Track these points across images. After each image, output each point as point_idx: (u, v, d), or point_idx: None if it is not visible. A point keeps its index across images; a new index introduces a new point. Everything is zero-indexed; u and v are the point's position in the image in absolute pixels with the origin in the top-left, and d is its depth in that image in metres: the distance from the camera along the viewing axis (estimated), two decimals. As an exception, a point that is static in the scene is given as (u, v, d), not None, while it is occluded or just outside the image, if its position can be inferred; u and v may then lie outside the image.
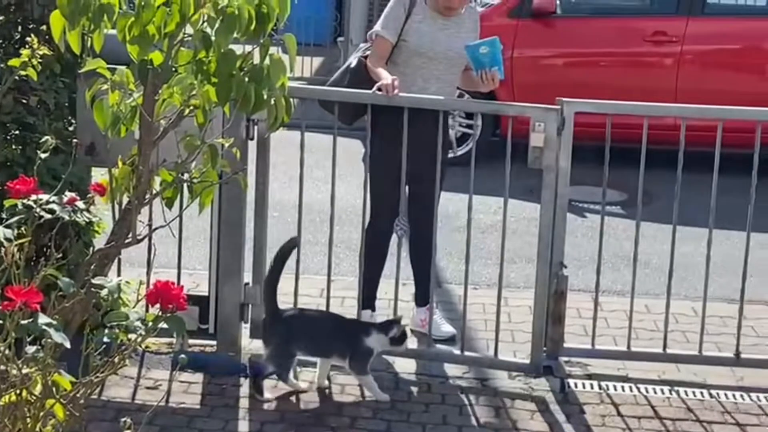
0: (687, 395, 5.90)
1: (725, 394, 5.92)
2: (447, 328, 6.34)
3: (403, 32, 6.18)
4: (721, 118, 6.35)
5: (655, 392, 5.91)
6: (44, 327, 3.01)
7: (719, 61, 11.29)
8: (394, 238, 6.27)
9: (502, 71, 6.00)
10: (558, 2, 11.38)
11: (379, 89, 5.78)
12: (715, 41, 11.38)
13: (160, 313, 3.22)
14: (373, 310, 6.37)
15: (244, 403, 5.63)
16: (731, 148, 6.11)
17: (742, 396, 5.91)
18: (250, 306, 6.19)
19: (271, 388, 5.63)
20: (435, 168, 5.99)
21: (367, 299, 6.27)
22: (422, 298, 6.40)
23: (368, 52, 6.22)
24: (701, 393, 5.93)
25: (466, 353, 6.03)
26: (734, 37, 11.49)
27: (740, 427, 5.59)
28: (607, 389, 5.90)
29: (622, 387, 5.95)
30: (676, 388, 5.96)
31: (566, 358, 6.10)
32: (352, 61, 6.39)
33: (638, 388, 5.94)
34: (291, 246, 5.75)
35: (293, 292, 6.05)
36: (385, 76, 5.83)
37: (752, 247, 6.01)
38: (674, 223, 5.96)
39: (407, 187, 6.10)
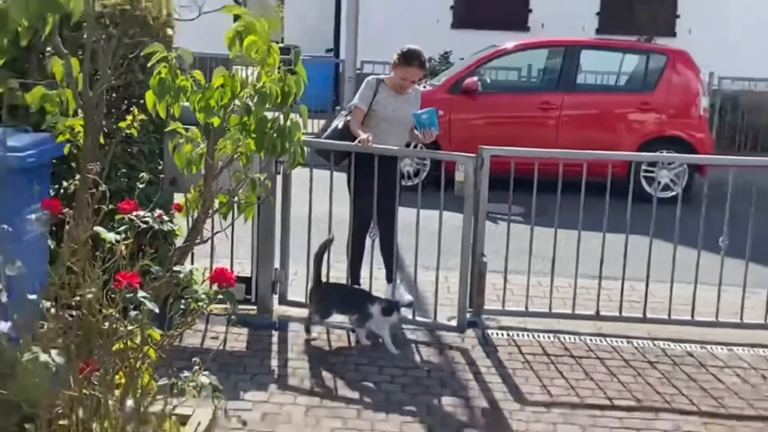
0: (564, 339, 5.94)
1: (590, 339, 5.96)
2: (408, 297, 6.28)
3: (372, 104, 6.21)
4: (586, 159, 6.41)
5: (544, 338, 5.94)
6: (141, 299, 3.03)
7: (584, 121, 11.37)
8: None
9: (437, 128, 6.12)
10: (480, 84, 11.42)
11: (359, 142, 5.86)
12: (582, 108, 11.47)
13: (218, 289, 3.24)
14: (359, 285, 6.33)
15: (274, 347, 5.66)
16: (593, 177, 6.13)
17: (601, 340, 5.95)
18: (278, 283, 6.20)
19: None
20: (394, 193, 6.03)
21: (354, 277, 6.26)
22: (389, 278, 6.41)
23: (349, 118, 6.27)
24: (574, 338, 5.97)
25: (418, 318, 6.05)
26: (594, 105, 11.58)
27: (600, 360, 5.63)
28: (513, 336, 5.93)
29: (523, 335, 5.98)
30: (557, 335, 5.99)
31: (486, 316, 6.12)
32: (339, 123, 6.41)
33: (533, 335, 5.98)
34: (327, 242, 5.79)
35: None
36: (362, 134, 5.90)
37: (608, 241, 6.05)
38: (555, 227, 6.00)
39: (377, 205, 6.11)
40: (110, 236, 3.22)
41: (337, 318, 5.84)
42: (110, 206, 3.74)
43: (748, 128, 14.78)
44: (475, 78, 11.50)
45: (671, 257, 6.10)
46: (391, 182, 5.99)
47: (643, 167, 10.57)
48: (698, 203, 6.27)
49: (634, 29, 15.47)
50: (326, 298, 5.79)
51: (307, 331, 5.78)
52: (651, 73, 11.63)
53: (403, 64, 6.20)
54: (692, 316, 6.14)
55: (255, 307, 6.17)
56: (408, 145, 6.45)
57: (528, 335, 5.97)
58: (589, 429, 4.68)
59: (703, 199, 6.21)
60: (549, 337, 5.96)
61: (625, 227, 6.04)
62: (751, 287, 6.15)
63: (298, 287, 6.23)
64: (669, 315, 6.16)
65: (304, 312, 5.98)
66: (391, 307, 5.60)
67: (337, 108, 15.47)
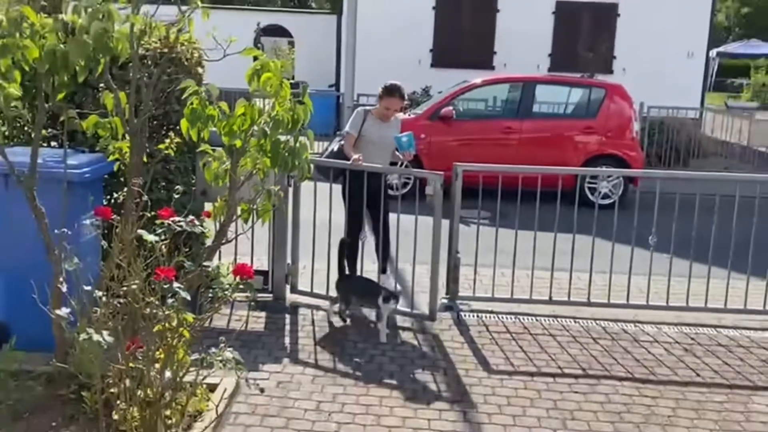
0: (524, 320, 5.92)
1: (545, 319, 5.95)
2: (397, 287, 6.07)
3: (361, 130, 6.23)
4: (541, 173, 6.40)
5: (507, 319, 5.93)
6: (177, 289, 3.01)
7: (539, 142, 11.33)
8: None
9: (414, 149, 6.12)
10: (454, 113, 11.41)
11: (352, 162, 5.90)
12: (537, 132, 11.42)
13: (240, 280, 3.22)
14: None
15: (287, 327, 5.62)
16: (546, 188, 6.13)
17: (553, 320, 5.93)
18: (290, 276, 6.17)
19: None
20: (381, 200, 6.09)
21: (341, 269, 6.00)
22: (383, 269, 6.37)
23: (342, 142, 6.31)
24: (531, 319, 5.95)
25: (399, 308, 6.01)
26: (547, 129, 11.53)
27: (552, 336, 5.62)
28: (482, 317, 5.91)
29: (490, 316, 5.96)
30: (518, 316, 5.98)
31: (459, 301, 6.10)
32: (335, 147, 6.43)
33: (498, 317, 5.96)
34: (344, 241, 5.82)
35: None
36: (354, 156, 5.95)
37: (558, 239, 6.05)
38: (516, 228, 5.99)
39: (370, 211, 6.21)
40: (151, 237, 3.20)
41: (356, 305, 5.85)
42: (152, 213, 3.72)
43: (671, 147, 14.79)
44: (451, 107, 11.47)
45: (610, 252, 6.10)
46: (377, 191, 6.04)
47: (587, 179, 10.57)
48: (632, 208, 6.26)
49: (579, 68, 15.53)
50: (348, 288, 5.72)
51: (342, 319, 5.70)
52: (593, 103, 11.62)
53: (386, 96, 6.23)
54: (627, 300, 6.13)
55: (271, 295, 6.14)
56: (393, 164, 6.35)
57: (494, 317, 5.94)
58: (544, 393, 4.67)
59: (636, 205, 6.21)
60: (511, 318, 5.94)
61: (572, 228, 6.03)
62: (675, 276, 6.14)
63: (306, 278, 6.18)
64: (608, 299, 6.14)
65: (311, 299, 5.97)
66: (389, 295, 5.48)
67: (338, 132, 15.44)
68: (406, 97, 6.30)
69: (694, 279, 6.12)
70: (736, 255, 6.03)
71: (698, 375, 5.03)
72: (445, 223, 5.89)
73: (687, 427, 4.30)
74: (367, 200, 6.10)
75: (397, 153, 6.24)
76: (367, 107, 6.48)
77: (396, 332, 5.57)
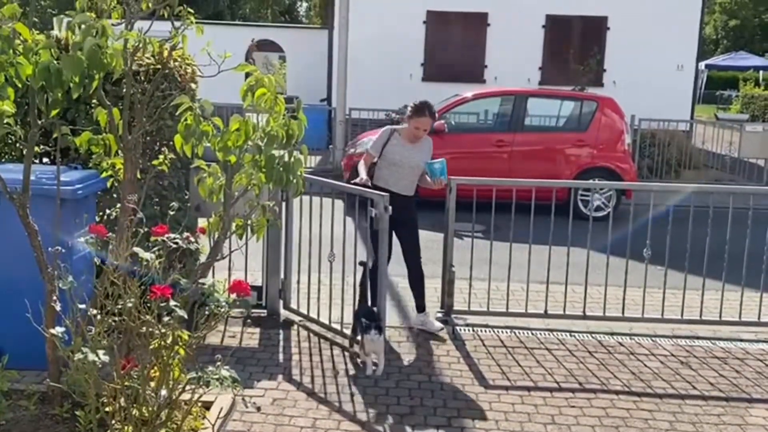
0: (519, 334, 5.90)
1: (540, 333, 5.93)
2: (438, 325, 5.83)
3: (383, 151, 5.79)
4: (534, 186, 6.40)
5: (502, 333, 5.90)
6: (172, 306, 2.98)
7: (531, 155, 11.36)
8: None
9: (446, 177, 5.78)
10: (446, 126, 11.42)
11: (357, 181, 5.60)
12: (529, 145, 11.45)
13: (236, 297, 3.19)
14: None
15: (281, 344, 5.57)
16: (540, 201, 6.12)
17: (549, 334, 5.92)
18: (283, 291, 6.13)
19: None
20: (411, 230, 5.85)
21: (362, 297, 5.74)
22: (420, 308, 5.93)
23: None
24: (527, 332, 5.93)
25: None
26: (539, 142, 11.57)
27: (548, 350, 5.60)
28: (477, 331, 5.88)
29: (485, 330, 5.93)
30: (513, 330, 5.96)
31: (455, 315, 6.08)
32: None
33: (493, 331, 5.93)
34: (364, 265, 5.45)
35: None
36: (363, 176, 5.64)
37: (553, 252, 6.04)
38: (510, 241, 5.98)
39: (401, 243, 5.87)
40: (146, 255, 3.17)
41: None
42: (146, 229, 3.69)
43: (662, 159, 14.84)
44: (443, 121, 11.48)
45: (605, 265, 6.10)
46: (406, 221, 5.76)
47: (580, 192, 10.60)
48: (625, 221, 6.28)
49: (570, 81, 15.58)
50: (356, 316, 5.36)
51: (361, 346, 5.15)
52: (584, 116, 11.66)
53: (415, 115, 5.71)
54: (623, 312, 6.12)
55: (265, 311, 6.10)
56: (417, 189, 5.95)
57: (489, 331, 5.92)
58: (541, 408, 4.64)
59: (630, 217, 6.21)
60: (506, 332, 5.91)
61: (566, 241, 6.03)
62: (670, 288, 6.14)
63: (302, 295, 6.10)
64: (604, 312, 6.13)
65: (305, 314, 5.94)
66: (369, 325, 4.98)
67: (330, 146, 15.45)
68: (436, 115, 5.84)
69: (689, 291, 6.12)
70: (729, 267, 6.04)
71: (695, 388, 5.01)
72: (439, 237, 5.87)
73: (685, 441, 4.28)
74: (397, 231, 5.77)
75: (428, 179, 5.83)
76: (396, 126, 6.03)
77: (391, 345, 5.53)
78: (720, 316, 6.12)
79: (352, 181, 5.67)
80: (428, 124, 5.75)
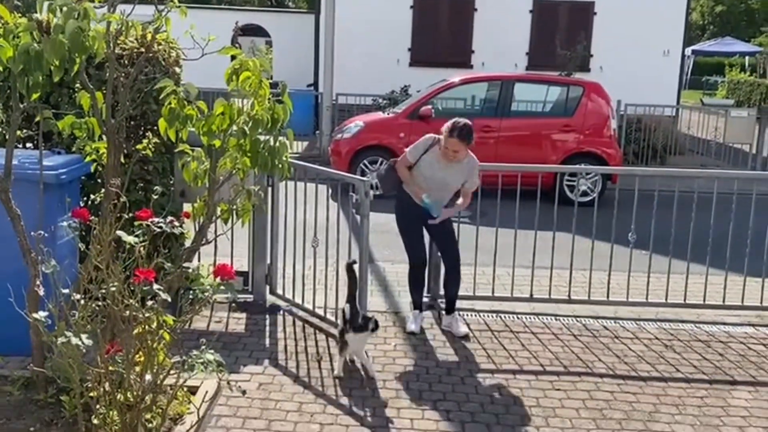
0: (505, 318, 5.93)
1: (526, 317, 5.96)
2: (463, 329, 5.56)
3: (419, 160, 5.50)
4: (520, 171, 6.40)
5: (488, 317, 5.93)
6: (156, 290, 2.97)
7: (518, 140, 11.38)
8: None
9: (437, 213, 5.43)
10: (433, 111, 11.40)
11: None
12: (516, 130, 11.46)
13: (221, 281, 3.18)
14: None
15: (267, 329, 5.57)
16: (526, 186, 6.14)
17: (534, 318, 5.94)
18: (270, 276, 6.12)
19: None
20: (447, 233, 5.65)
21: (415, 304, 5.74)
22: (449, 309, 5.69)
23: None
24: (512, 317, 5.96)
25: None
26: (525, 127, 11.58)
27: (534, 334, 5.63)
28: (463, 315, 5.88)
29: (471, 314, 5.95)
30: (499, 314, 5.98)
31: (441, 300, 6.08)
32: (390, 161, 5.77)
33: (479, 315, 5.95)
34: (352, 263, 5.07)
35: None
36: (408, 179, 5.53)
37: (538, 237, 6.06)
38: (496, 226, 5.99)
39: (437, 244, 5.79)
40: (130, 239, 3.15)
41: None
42: (129, 215, 3.67)
43: (648, 145, 14.90)
44: (429, 106, 11.48)
45: (590, 249, 6.12)
46: (439, 229, 5.57)
47: (566, 177, 10.62)
48: (610, 206, 6.30)
49: (557, 66, 15.58)
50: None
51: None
52: (571, 101, 11.67)
53: (446, 135, 5.33)
54: (607, 296, 6.16)
55: (252, 296, 6.09)
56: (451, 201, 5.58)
57: (475, 315, 5.94)
58: (526, 390, 4.67)
59: (615, 202, 6.23)
60: (492, 316, 5.94)
61: (552, 226, 6.05)
62: (654, 272, 6.18)
63: (288, 281, 6.07)
64: (588, 296, 6.17)
65: (291, 299, 5.93)
66: (354, 325, 4.79)
67: (317, 132, 15.39)
68: (472, 139, 5.39)
69: (673, 275, 6.17)
70: (714, 251, 6.08)
71: (678, 371, 5.05)
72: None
73: (668, 423, 4.32)
74: (432, 233, 5.65)
75: (458, 202, 5.56)
76: (439, 136, 5.49)
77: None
78: (704, 300, 6.17)
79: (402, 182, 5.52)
80: (456, 146, 5.31)
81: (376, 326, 4.84)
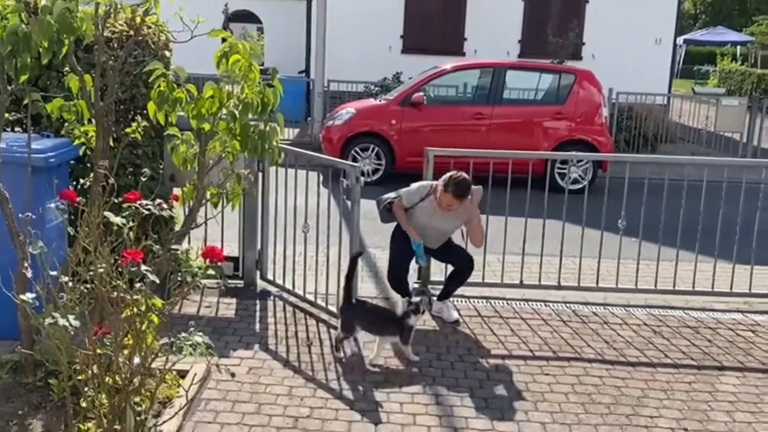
0: (495, 304, 5.94)
1: (515, 303, 5.97)
2: (455, 316, 5.56)
3: (414, 207, 5.45)
4: (511, 158, 6.40)
5: (478, 303, 5.94)
6: (144, 272, 2.95)
7: (509, 128, 11.38)
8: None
9: (423, 260, 5.63)
10: (425, 98, 11.40)
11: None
12: (507, 117, 11.45)
13: (209, 263, 3.17)
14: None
15: (258, 314, 5.56)
16: (517, 173, 6.14)
17: (524, 304, 5.96)
18: (260, 262, 6.11)
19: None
20: (452, 247, 5.64)
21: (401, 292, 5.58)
22: (443, 297, 5.66)
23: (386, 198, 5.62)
24: (502, 302, 5.97)
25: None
26: (517, 115, 11.58)
27: (523, 320, 5.64)
28: (453, 301, 5.85)
29: (461, 300, 5.94)
30: (489, 300, 6.00)
31: (431, 286, 6.08)
32: (390, 199, 5.59)
33: (469, 301, 5.96)
34: (357, 254, 5.01)
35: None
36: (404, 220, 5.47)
37: (529, 224, 6.07)
38: (487, 213, 5.98)
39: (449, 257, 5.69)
40: (117, 220, 3.14)
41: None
42: (119, 199, 3.66)
43: (639, 133, 14.93)
44: (421, 93, 11.46)
45: (580, 236, 6.14)
46: (445, 250, 5.55)
47: (557, 165, 10.63)
48: (601, 193, 6.31)
49: (549, 54, 15.57)
50: (354, 316, 4.87)
51: (338, 350, 4.87)
52: (562, 89, 11.67)
53: (442, 189, 5.25)
54: (597, 283, 6.18)
55: (242, 282, 6.08)
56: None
57: (465, 301, 5.94)
58: (515, 376, 4.69)
59: (605, 189, 6.24)
60: (482, 302, 5.95)
61: (542, 213, 6.06)
62: (644, 259, 6.20)
63: (279, 267, 6.06)
64: (578, 283, 6.19)
65: (281, 284, 5.92)
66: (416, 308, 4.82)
67: (309, 119, 15.35)
68: (469, 194, 5.32)
69: (663, 262, 6.19)
70: (703, 239, 6.10)
71: (667, 356, 5.08)
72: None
73: (656, 408, 4.34)
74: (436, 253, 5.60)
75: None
76: (435, 182, 5.44)
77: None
78: (693, 287, 6.19)
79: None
80: (450, 201, 5.25)
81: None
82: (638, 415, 4.24)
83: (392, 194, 5.63)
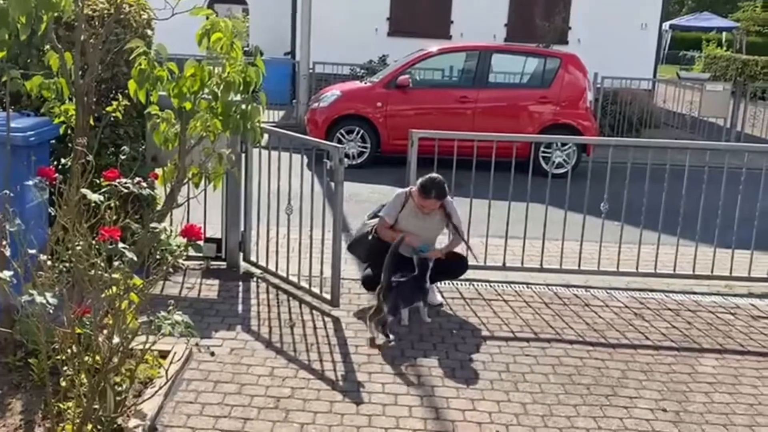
0: (478, 286, 5.95)
1: (498, 285, 5.99)
2: (438, 299, 5.57)
3: (398, 218, 5.40)
4: (496, 141, 6.40)
5: (461, 285, 5.94)
6: (122, 250, 2.93)
7: (495, 111, 11.35)
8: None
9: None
10: (410, 81, 11.37)
11: (400, 240, 5.13)
12: (493, 101, 11.42)
13: (188, 242, 3.15)
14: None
15: (240, 296, 5.55)
16: (501, 158, 6.13)
17: (506, 286, 5.98)
18: (243, 243, 6.08)
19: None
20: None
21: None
22: (431, 281, 5.38)
23: (374, 226, 5.50)
24: (485, 285, 5.99)
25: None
26: (502, 98, 11.55)
27: (505, 302, 5.66)
28: (437, 284, 5.84)
29: (444, 283, 5.89)
30: (472, 282, 6.00)
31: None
32: (369, 233, 5.54)
33: (453, 283, 5.92)
34: (399, 242, 5.06)
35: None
36: (396, 234, 5.27)
37: (512, 208, 6.08)
38: (471, 197, 6.00)
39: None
40: (95, 197, 3.11)
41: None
42: (100, 180, 3.62)
43: (624, 118, 14.97)
44: (407, 76, 11.43)
45: (562, 220, 6.15)
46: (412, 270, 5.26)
47: (541, 149, 10.66)
48: (584, 177, 6.32)
49: (535, 38, 15.55)
50: (396, 295, 4.95)
51: (387, 335, 4.85)
52: (548, 73, 11.67)
53: (420, 195, 5.27)
54: (579, 266, 6.21)
55: (225, 263, 6.06)
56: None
57: (448, 283, 5.93)
58: (496, 356, 4.70)
59: (588, 173, 6.26)
60: (465, 284, 5.95)
61: (526, 197, 6.06)
62: (626, 243, 6.23)
63: (262, 248, 6.05)
64: (560, 265, 6.21)
65: (264, 266, 5.91)
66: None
67: (294, 101, 15.27)
68: (447, 193, 5.34)
69: (644, 246, 6.22)
70: (684, 222, 6.13)
71: (647, 338, 5.12)
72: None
73: (636, 388, 4.38)
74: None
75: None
76: (410, 189, 5.46)
77: (350, 297, 5.56)
78: (674, 270, 6.24)
79: (396, 240, 5.12)
80: (434, 205, 5.30)
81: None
82: (618, 396, 4.28)
83: (371, 225, 5.54)
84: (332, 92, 11.73)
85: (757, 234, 6.24)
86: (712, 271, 6.24)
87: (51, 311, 2.88)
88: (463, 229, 5.54)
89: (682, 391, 4.38)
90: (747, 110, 15.54)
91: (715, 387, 4.46)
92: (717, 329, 5.35)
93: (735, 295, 6.07)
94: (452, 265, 5.59)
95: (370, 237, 5.48)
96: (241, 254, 6.09)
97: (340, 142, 10.71)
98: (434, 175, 5.33)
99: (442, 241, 5.70)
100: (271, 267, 5.86)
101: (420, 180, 5.33)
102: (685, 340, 5.12)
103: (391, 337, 4.81)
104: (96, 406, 3.27)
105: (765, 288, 6.22)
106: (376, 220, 5.54)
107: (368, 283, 5.56)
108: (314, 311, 5.27)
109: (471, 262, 5.80)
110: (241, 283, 5.77)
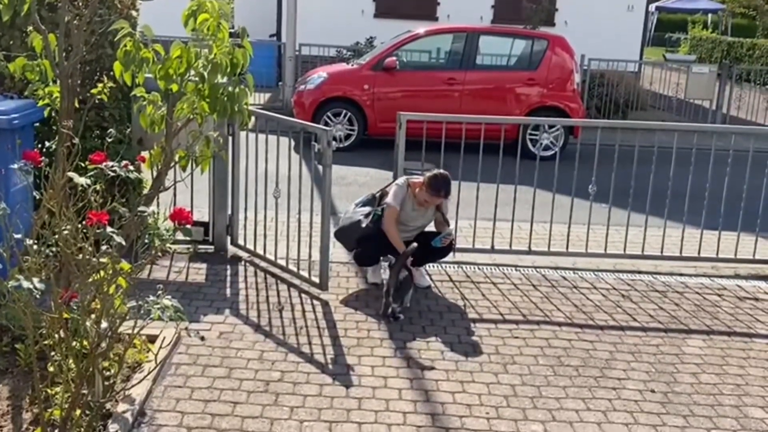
0: (467, 269, 5.96)
1: (486, 268, 5.99)
2: (427, 281, 5.59)
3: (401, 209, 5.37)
4: (484, 123, 6.37)
5: (450, 268, 5.95)
6: (110, 234, 2.90)
7: (482, 94, 11.32)
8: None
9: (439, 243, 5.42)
10: (398, 63, 11.31)
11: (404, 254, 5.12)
12: (480, 83, 11.39)
13: (177, 225, 3.12)
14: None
15: (228, 279, 5.52)
16: (489, 140, 6.12)
17: (495, 269, 5.99)
18: (231, 227, 6.05)
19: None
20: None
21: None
22: (418, 264, 5.50)
23: (358, 215, 5.46)
24: (474, 268, 5.99)
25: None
26: (489, 81, 11.52)
27: (494, 284, 5.67)
28: (425, 267, 5.86)
29: (433, 265, 5.92)
30: (461, 265, 6.01)
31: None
32: (362, 221, 5.41)
33: (441, 266, 5.94)
34: (412, 250, 5.11)
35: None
36: (402, 245, 5.21)
37: (500, 190, 6.07)
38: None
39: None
40: (82, 180, 3.07)
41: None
42: (85, 163, 3.58)
43: (611, 100, 14.98)
44: (394, 58, 11.37)
45: (550, 202, 6.16)
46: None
47: (529, 131, 10.65)
48: (572, 159, 6.32)
49: (522, 19, 15.51)
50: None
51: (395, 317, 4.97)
52: (535, 55, 11.64)
53: (430, 192, 5.26)
54: (567, 248, 6.22)
55: (212, 247, 6.03)
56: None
57: (437, 266, 5.94)
58: (485, 339, 4.71)
59: (576, 155, 6.26)
60: (454, 267, 5.96)
61: (514, 179, 6.06)
62: (613, 225, 6.25)
63: (249, 233, 6.00)
64: (548, 248, 6.22)
65: (252, 249, 5.88)
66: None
67: (280, 83, 15.17)
68: (450, 192, 5.34)
69: (632, 228, 6.24)
70: (672, 204, 6.15)
71: (635, 320, 5.14)
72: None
73: (624, 370, 4.40)
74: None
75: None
76: (412, 179, 5.46)
77: (337, 281, 5.54)
78: (661, 252, 6.26)
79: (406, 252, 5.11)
80: (439, 201, 5.36)
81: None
82: (606, 377, 4.30)
83: (363, 213, 5.47)
84: (319, 74, 11.65)
85: (744, 216, 6.27)
86: (699, 253, 6.27)
87: (38, 296, 2.85)
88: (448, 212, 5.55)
89: (669, 372, 4.40)
90: (732, 92, 15.59)
91: (702, 368, 4.49)
92: (704, 310, 5.38)
93: (721, 277, 6.11)
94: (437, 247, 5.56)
95: (364, 225, 5.40)
96: (229, 238, 6.06)
97: (327, 125, 10.64)
98: (442, 172, 5.33)
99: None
100: (259, 250, 5.83)
101: (429, 177, 5.27)
102: (673, 322, 5.15)
103: (401, 317, 4.94)
104: (84, 391, 3.25)
105: (751, 269, 6.27)
106: (367, 209, 5.49)
107: (360, 260, 5.57)
108: (303, 295, 5.26)
109: (459, 245, 5.79)
110: (228, 266, 5.75)
